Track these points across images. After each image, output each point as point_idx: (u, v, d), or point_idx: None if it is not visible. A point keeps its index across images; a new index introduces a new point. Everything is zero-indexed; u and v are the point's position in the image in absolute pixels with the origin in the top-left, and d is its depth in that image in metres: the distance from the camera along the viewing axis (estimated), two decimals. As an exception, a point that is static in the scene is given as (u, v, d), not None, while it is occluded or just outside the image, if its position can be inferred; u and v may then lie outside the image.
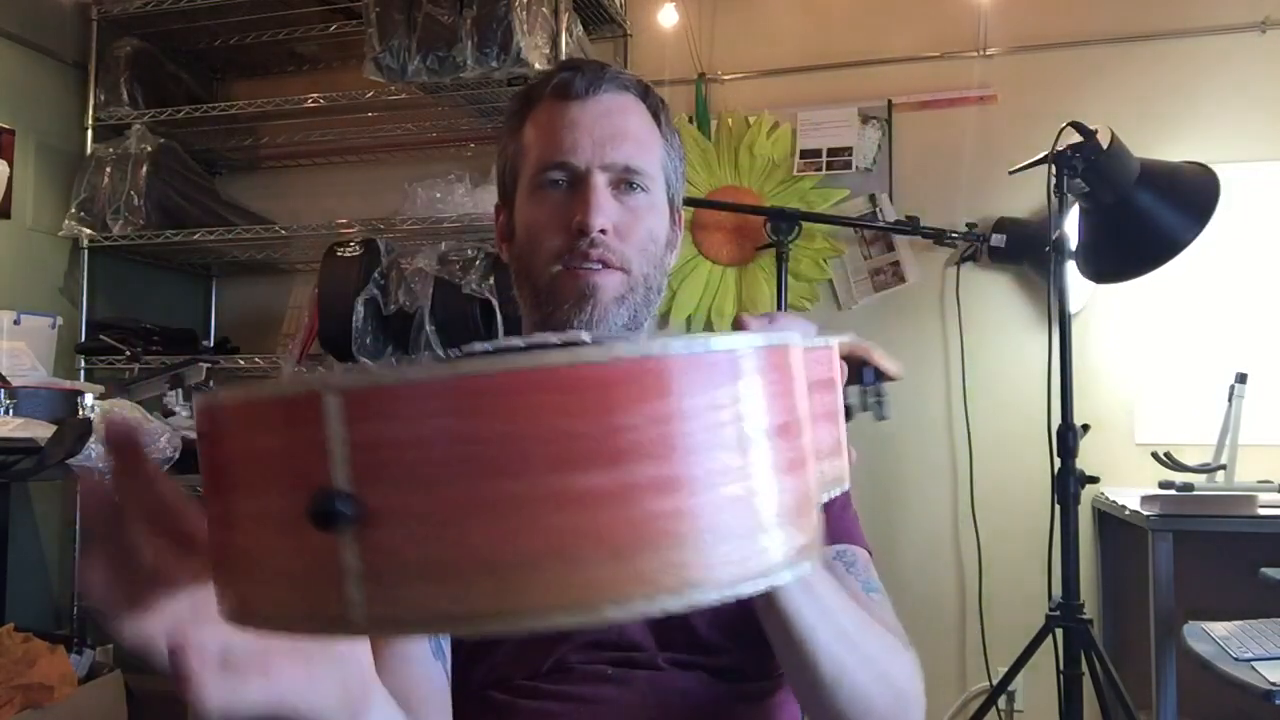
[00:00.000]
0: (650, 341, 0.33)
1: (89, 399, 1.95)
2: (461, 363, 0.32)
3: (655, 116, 0.93)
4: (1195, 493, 2.09)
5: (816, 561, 0.37)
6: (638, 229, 0.89)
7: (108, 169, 2.75)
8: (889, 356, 0.67)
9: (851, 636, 0.70)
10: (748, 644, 0.82)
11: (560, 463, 0.31)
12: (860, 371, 0.67)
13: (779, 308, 2.43)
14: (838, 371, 0.55)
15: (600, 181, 0.87)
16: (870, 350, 0.67)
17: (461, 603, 0.31)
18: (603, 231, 0.86)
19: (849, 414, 0.65)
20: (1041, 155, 2.06)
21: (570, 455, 0.31)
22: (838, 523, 0.91)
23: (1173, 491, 2.08)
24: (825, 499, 0.44)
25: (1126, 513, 2.13)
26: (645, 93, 0.94)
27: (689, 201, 2.23)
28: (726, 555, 0.33)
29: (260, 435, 0.35)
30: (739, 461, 0.34)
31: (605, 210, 0.86)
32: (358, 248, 2.55)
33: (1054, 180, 2.03)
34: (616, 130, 0.89)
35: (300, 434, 0.33)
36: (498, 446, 0.31)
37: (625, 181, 0.89)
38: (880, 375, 0.69)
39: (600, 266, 0.87)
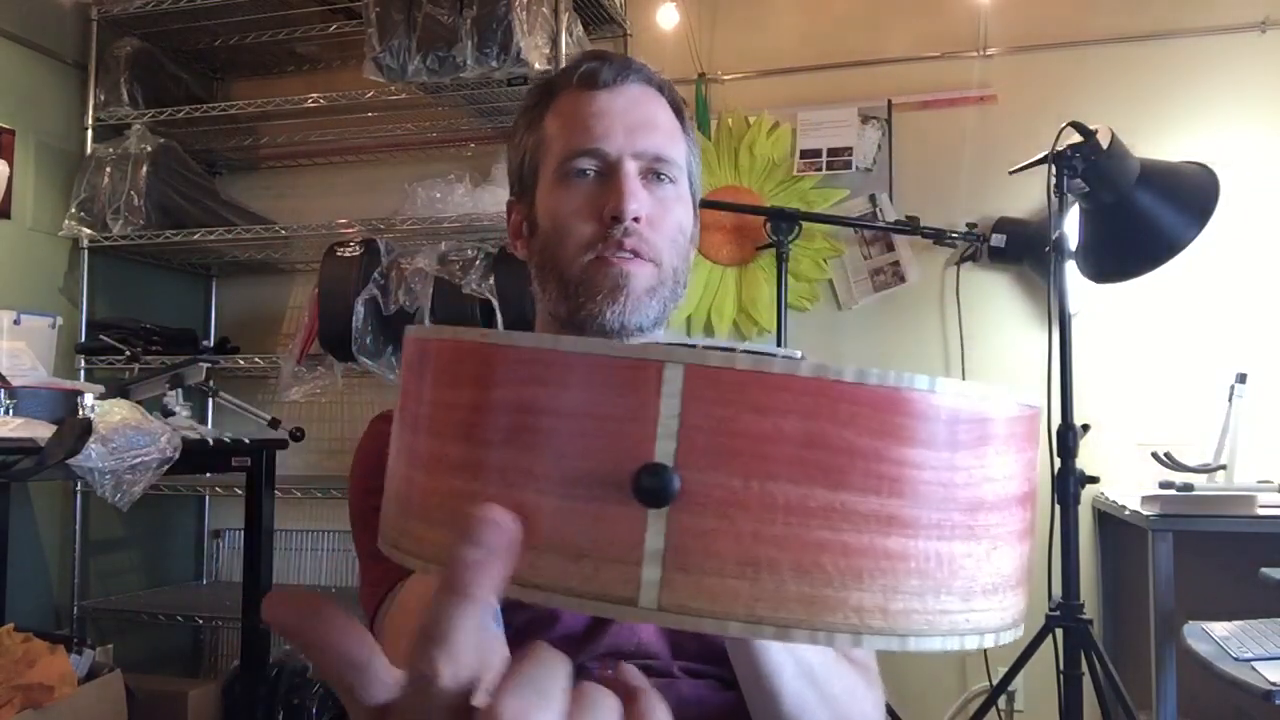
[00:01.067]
0: (999, 389, 0.34)
1: (89, 399, 1.95)
2: (825, 366, 0.32)
3: (677, 112, 0.93)
4: (1195, 493, 2.09)
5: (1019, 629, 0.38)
6: (668, 220, 0.87)
7: (108, 169, 2.75)
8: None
9: (816, 675, 0.70)
10: None
11: (903, 489, 0.32)
12: None
13: (779, 308, 2.43)
14: None
15: (632, 169, 0.85)
16: None
17: (772, 607, 0.31)
18: (635, 220, 0.84)
19: None
20: (1041, 155, 2.06)
21: (913, 483, 0.32)
22: None
23: (1173, 491, 2.08)
24: None
25: (1126, 513, 2.13)
26: (667, 89, 0.93)
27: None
28: (997, 604, 0.34)
29: (581, 393, 0.32)
30: (1014, 523, 0.35)
31: (639, 198, 0.85)
32: (358, 248, 2.55)
33: (1054, 180, 2.03)
34: (646, 119, 0.88)
35: (632, 400, 0.32)
36: (849, 459, 0.31)
37: (655, 172, 0.87)
38: None
39: (632, 256, 0.85)
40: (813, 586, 0.31)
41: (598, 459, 0.32)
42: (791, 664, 0.68)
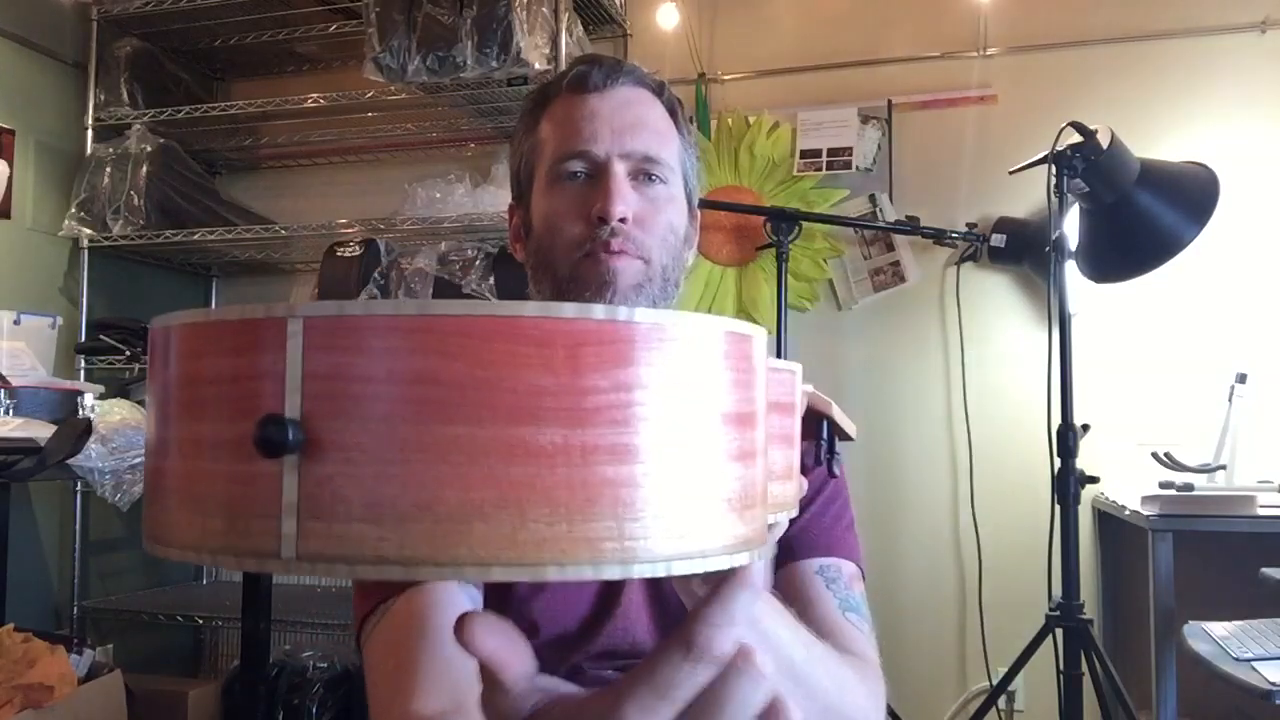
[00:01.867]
0: (623, 308, 0.34)
1: (89, 399, 1.95)
2: (433, 303, 0.32)
3: (672, 113, 0.93)
4: (1195, 493, 2.09)
5: (758, 558, 0.37)
6: (658, 219, 0.88)
7: (108, 169, 2.75)
8: (847, 416, 0.67)
9: (798, 671, 0.68)
10: None
11: (521, 415, 0.31)
12: (817, 426, 0.67)
13: (779, 308, 2.43)
14: (798, 400, 0.54)
15: (620, 170, 0.86)
16: (830, 406, 0.66)
17: (397, 546, 0.31)
18: (623, 220, 0.85)
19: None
20: (1041, 155, 2.06)
21: (532, 409, 0.31)
22: (828, 534, 0.90)
23: (1173, 491, 2.08)
24: (772, 520, 0.44)
25: (1126, 513, 2.13)
26: (661, 89, 0.93)
27: (689, 201, 2.23)
28: (668, 530, 0.33)
29: (214, 358, 0.34)
30: (694, 440, 0.34)
31: (626, 199, 0.86)
32: (358, 248, 2.55)
33: (1054, 180, 2.03)
34: (635, 120, 0.88)
35: (257, 359, 0.32)
36: (460, 391, 0.31)
37: (645, 172, 0.88)
38: (835, 433, 0.68)
39: (620, 253, 0.86)
40: (435, 522, 0.31)
41: (231, 418, 0.33)
42: (769, 660, 0.67)
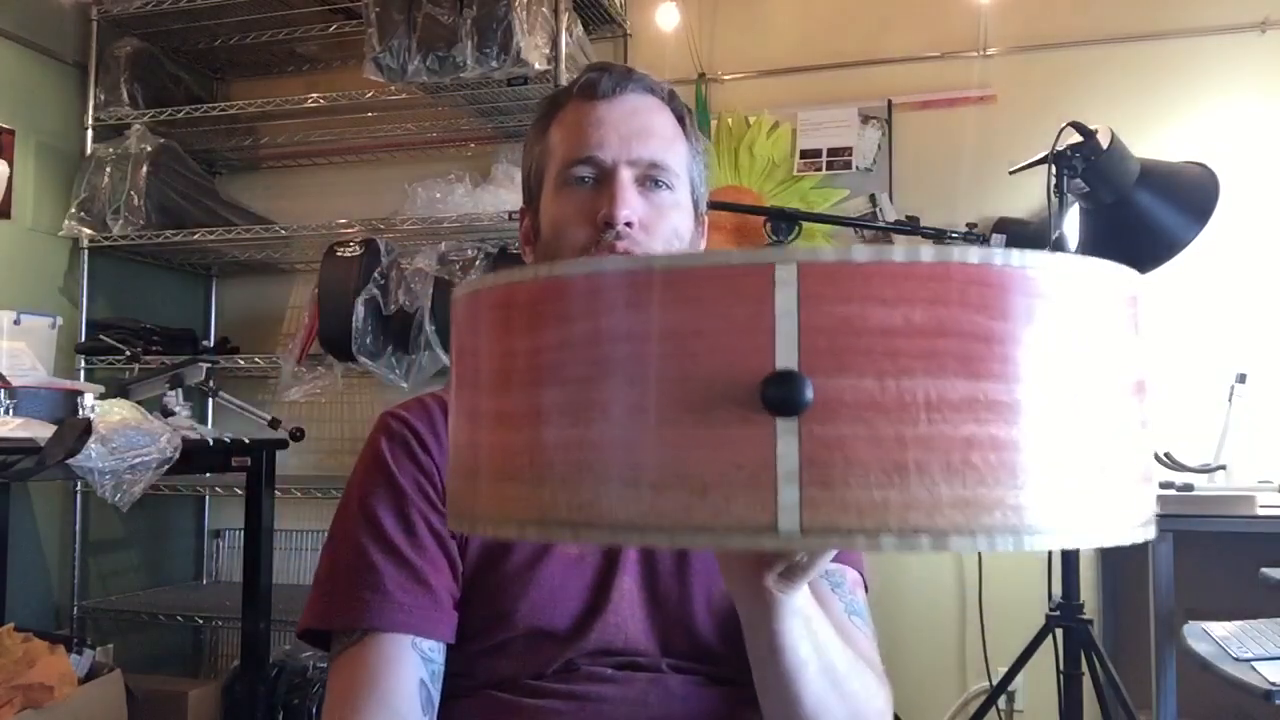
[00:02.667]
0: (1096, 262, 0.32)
1: (89, 399, 1.95)
2: (941, 250, 0.29)
3: (680, 121, 0.95)
4: (1195, 493, 2.09)
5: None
6: (663, 225, 0.89)
7: (108, 169, 2.75)
8: None
9: (838, 674, 0.71)
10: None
11: (1017, 372, 0.29)
12: None
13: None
14: None
15: (626, 176, 0.87)
16: None
17: (924, 514, 0.27)
18: (628, 225, 0.86)
19: None
20: (1041, 155, 2.06)
21: (1023, 363, 0.29)
22: None
23: (1173, 491, 2.08)
24: None
25: (1126, 513, 2.13)
26: (670, 97, 0.95)
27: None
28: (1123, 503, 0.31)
29: (681, 310, 0.29)
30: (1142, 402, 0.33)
31: (631, 203, 0.87)
32: (358, 248, 2.55)
33: (1054, 180, 2.03)
34: (642, 127, 0.90)
35: (744, 309, 0.29)
36: (979, 344, 0.28)
37: (651, 178, 0.89)
38: None
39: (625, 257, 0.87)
40: (966, 487, 0.28)
41: (709, 378, 0.29)
42: (815, 662, 0.69)
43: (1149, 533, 0.34)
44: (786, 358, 0.28)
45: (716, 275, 0.30)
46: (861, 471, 0.28)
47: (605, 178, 0.88)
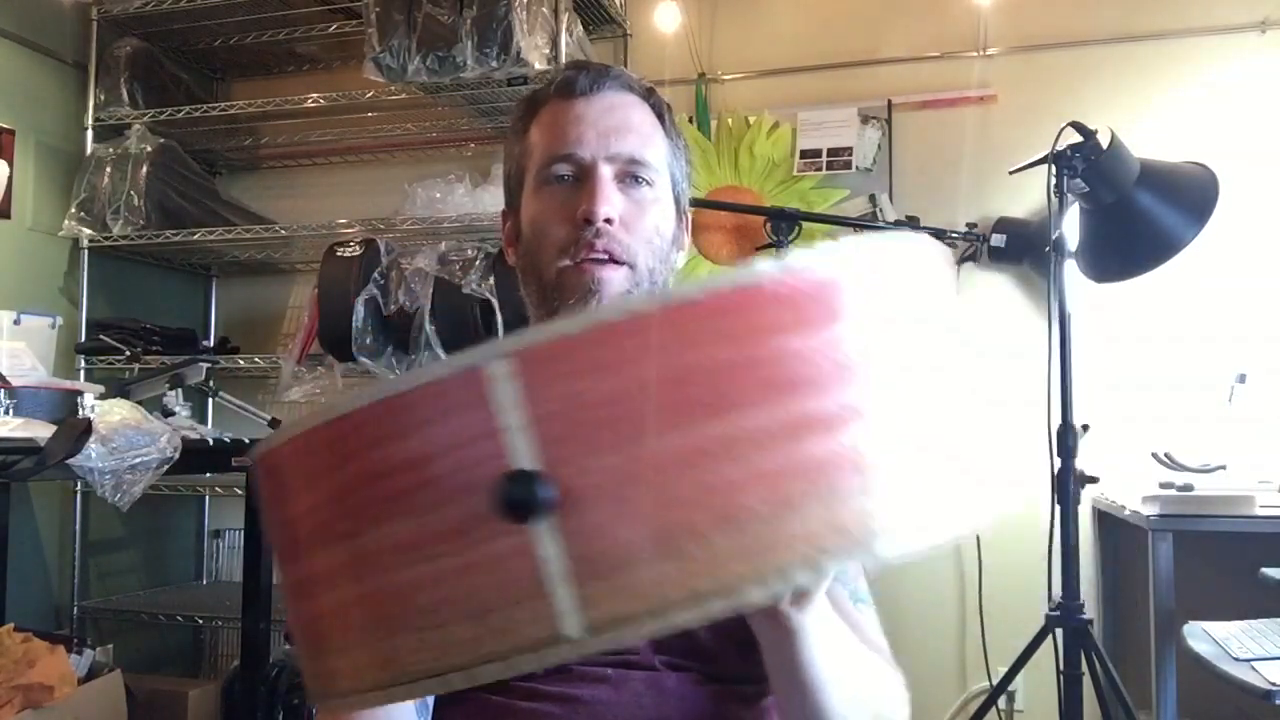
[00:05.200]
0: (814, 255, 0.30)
1: (89, 399, 1.95)
2: (651, 296, 0.28)
3: (659, 117, 0.94)
4: (1195, 493, 2.09)
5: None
6: (643, 221, 0.88)
7: (108, 169, 2.75)
8: None
9: (860, 682, 0.71)
10: (745, 651, 0.82)
11: (787, 387, 0.26)
12: None
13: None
14: None
15: (605, 173, 0.87)
16: None
17: (709, 577, 0.25)
18: (608, 222, 0.86)
19: None
20: (1041, 155, 2.05)
21: (795, 378, 0.26)
22: None
23: (1173, 491, 2.08)
24: None
25: (1126, 513, 2.13)
26: (648, 93, 0.94)
27: (690, 202, 2.23)
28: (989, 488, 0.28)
29: (400, 443, 0.27)
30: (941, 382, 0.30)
31: (610, 200, 0.86)
32: (358, 248, 2.55)
33: (1054, 180, 2.02)
34: (621, 123, 0.89)
35: (465, 417, 0.27)
36: (721, 378, 0.26)
37: (630, 175, 0.88)
38: None
39: (606, 258, 0.86)
40: (744, 534, 0.25)
41: (458, 499, 0.27)
42: (837, 676, 0.69)
43: (1013, 499, 0.31)
44: (524, 457, 0.26)
45: (429, 394, 0.27)
46: (631, 552, 0.25)
47: (584, 175, 0.87)
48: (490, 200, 2.61)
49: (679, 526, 0.25)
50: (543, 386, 0.26)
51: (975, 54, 2.66)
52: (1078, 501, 1.98)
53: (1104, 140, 2.02)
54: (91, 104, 2.84)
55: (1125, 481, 2.36)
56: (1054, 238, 2.03)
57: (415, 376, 0.28)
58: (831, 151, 2.70)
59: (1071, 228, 2.16)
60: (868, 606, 0.87)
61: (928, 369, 0.29)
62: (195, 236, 2.73)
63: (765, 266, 0.27)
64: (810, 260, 0.28)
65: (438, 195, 2.68)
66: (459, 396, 0.27)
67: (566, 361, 0.26)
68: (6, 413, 1.85)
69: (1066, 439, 1.97)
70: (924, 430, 0.28)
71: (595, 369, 0.26)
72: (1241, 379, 2.21)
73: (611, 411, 0.26)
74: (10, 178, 2.59)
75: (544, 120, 0.92)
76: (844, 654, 0.71)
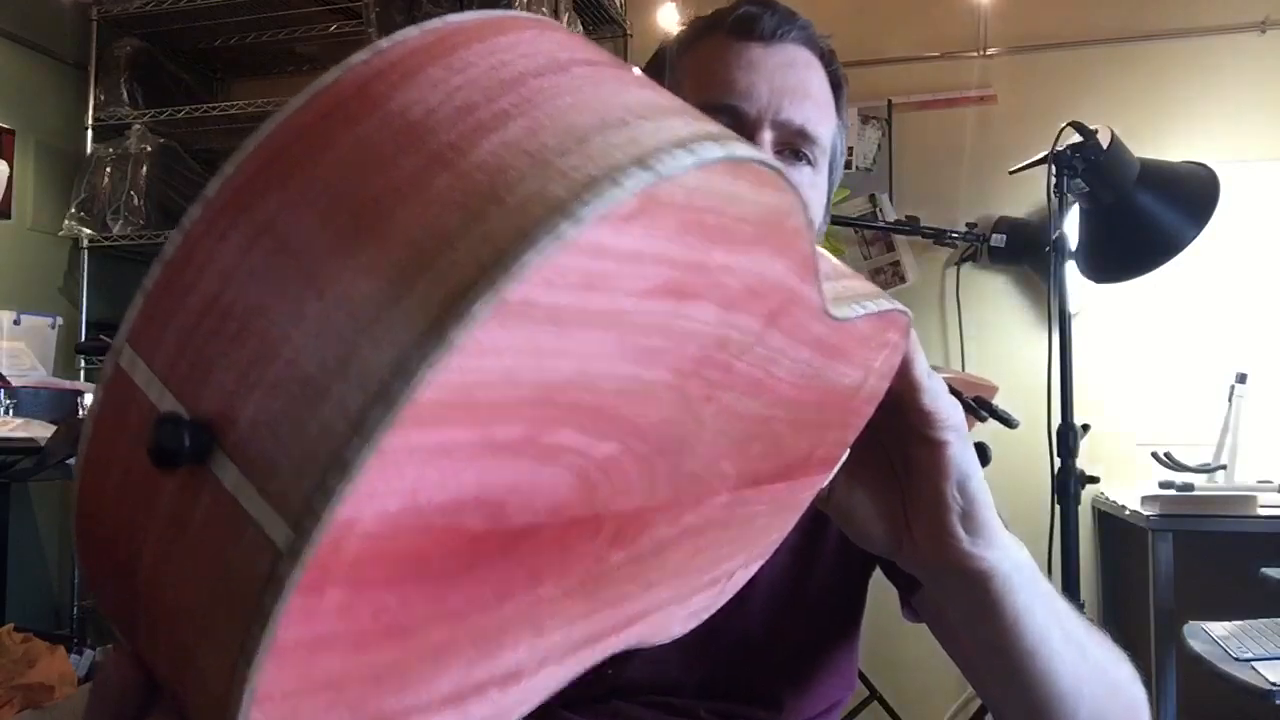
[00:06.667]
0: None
1: (89, 399, 1.95)
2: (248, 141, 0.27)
3: (834, 89, 0.80)
4: (1195, 493, 2.09)
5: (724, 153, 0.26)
6: None
7: (108, 169, 2.75)
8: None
9: (1078, 633, 0.58)
10: (800, 684, 0.74)
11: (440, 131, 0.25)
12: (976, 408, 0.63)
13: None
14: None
15: (766, 140, 0.73)
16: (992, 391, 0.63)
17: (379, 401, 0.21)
18: None
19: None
20: (1041, 155, 2.05)
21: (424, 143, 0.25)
22: None
23: (1173, 491, 2.08)
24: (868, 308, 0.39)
25: (1126, 513, 2.13)
26: (830, 61, 0.80)
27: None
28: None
29: (110, 480, 0.27)
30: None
31: None
32: (358, 248, 2.55)
33: (1054, 180, 2.02)
34: (798, 85, 0.75)
35: (122, 420, 0.26)
36: (333, 183, 0.25)
37: (793, 149, 0.74)
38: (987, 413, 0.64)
39: None
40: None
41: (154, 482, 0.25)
42: (1055, 624, 0.56)
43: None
44: (166, 404, 0.25)
45: (100, 426, 0.27)
46: (281, 417, 0.23)
47: (742, 132, 0.68)
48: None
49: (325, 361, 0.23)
50: (153, 339, 0.26)
51: (975, 54, 2.66)
52: (1078, 501, 1.98)
53: (1104, 140, 2.02)
54: (91, 104, 2.84)
55: (1125, 481, 2.36)
56: (1054, 238, 2.03)
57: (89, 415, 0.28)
58: (831, 151, 2.70)
59: (1071, 228, 2.16)
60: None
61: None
62: (195, 236, 2.73)
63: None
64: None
65: (438, 195, 2.68)
66: (116, 402, 0.26)
67: (166, 296, 0.26)
68: (6, 413, 1.86)
69: (1066, 439, 1.97)
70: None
71: (192, 281, 0.25)
72: (1241, 379, 2.21)
73: (221, 310, 0.25)
74: (10, 178, 2.59)
75: (708, 54, 0.76)
76: (1053, 597, 0.58)
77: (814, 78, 0.77)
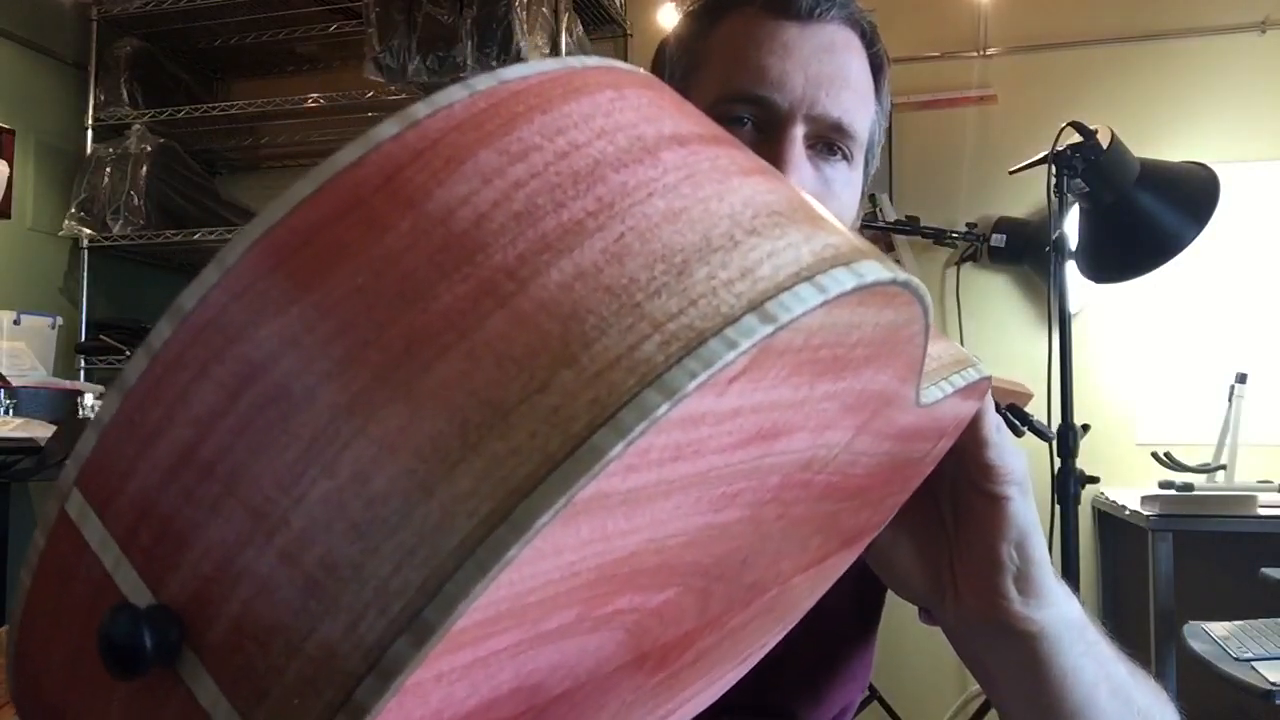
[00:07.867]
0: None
1: (89, 399, 1.96)
2: (173, 311, 0.21)
3: (875, 72, 0.73)
4: (1195, 493, 2.09)
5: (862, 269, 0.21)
6: (829, 207, 0.67)
7: (108, 169, 2.75)
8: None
9: (1126, 686, 0.56)
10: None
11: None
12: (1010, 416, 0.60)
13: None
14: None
15: (799, 134, 0.65)
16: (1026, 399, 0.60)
17: (370, 616, 0.18)
18: None
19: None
20: (1041, 155, 2.05)
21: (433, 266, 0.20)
22: None
23: (1173, 491, 2.08)
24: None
25: (1126, 513, 2.13)
26: (872, 41, 0.72)
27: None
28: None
29: (53, 644, 0.22)
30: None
31: (801, 174, 0.64)
32: (358, 248, 2.55)
33: (1054, 180, 2.02)
34: (837, 73, 0.67)
35: (68, 585, 0.21)
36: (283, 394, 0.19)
37: (828, 143, 0.67)
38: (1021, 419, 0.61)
39: None
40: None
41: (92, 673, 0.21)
42: (1104, 679, 0.54)
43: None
44: (130, 592, 0.20)
45: (43, 581, 0.22)
46: (276, 627, 0.18)
47: (771, 126, 0.65)
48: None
49: (306, 577, 0.18)
50: (114, 495, 0.20)
51: (975, 54, 2.66)
52: (1078, 501, 1.98)
53: (1104, 140, 2.02)
54: (91, 104, 2.84)
55: (1125, 481, 2.36)
56: (1054, 238, 2.03)
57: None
58: (831, 151, 2.70)
59: (1071, 228, 2.16)
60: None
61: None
62: (195, 236, 2.73)
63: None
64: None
65: (438, 195, 2.67)
66: (61, 563, 0.21)
67: (124, 453, 0.20)
68: (6, 413, 1.86)
69: (1066, 439, 1.97)
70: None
71: (154, 435, 0.20)
72: (1241, 379, 2.21)
73: (200, 469, 0.20)
74: (10, 178, 2.59)
75: (737, 33, 0.67)
76: (1102, 653, 0.55)
77: (854, 62, 0.69)
